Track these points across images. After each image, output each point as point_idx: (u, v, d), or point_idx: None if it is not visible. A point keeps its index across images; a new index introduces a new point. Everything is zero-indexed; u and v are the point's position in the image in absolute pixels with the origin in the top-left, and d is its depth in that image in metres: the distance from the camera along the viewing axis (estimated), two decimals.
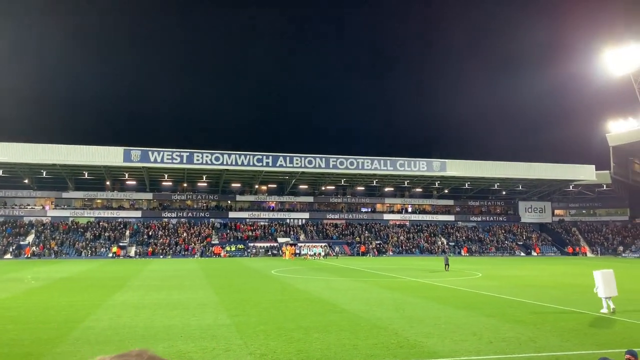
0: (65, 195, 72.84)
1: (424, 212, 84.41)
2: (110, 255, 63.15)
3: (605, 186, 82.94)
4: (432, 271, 39.92)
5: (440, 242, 77.19)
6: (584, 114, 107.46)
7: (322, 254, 64.15)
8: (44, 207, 72.23)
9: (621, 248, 77.60)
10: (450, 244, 77.07)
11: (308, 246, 67.09)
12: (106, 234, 68.43)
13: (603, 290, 17.80)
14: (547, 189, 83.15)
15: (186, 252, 66.07)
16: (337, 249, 70.06)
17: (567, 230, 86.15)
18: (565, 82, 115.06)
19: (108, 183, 73.06)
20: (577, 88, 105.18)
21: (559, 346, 12.59)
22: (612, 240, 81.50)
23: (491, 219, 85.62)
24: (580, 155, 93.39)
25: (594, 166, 74.90)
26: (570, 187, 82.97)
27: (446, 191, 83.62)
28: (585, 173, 74.59)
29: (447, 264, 41.45)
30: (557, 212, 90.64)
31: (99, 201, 74.79)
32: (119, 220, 72.31)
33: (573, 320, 16.49)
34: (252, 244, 69.87)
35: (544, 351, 12.04)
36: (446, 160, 70.10)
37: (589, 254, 77.94)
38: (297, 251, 66.20)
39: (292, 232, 74.52)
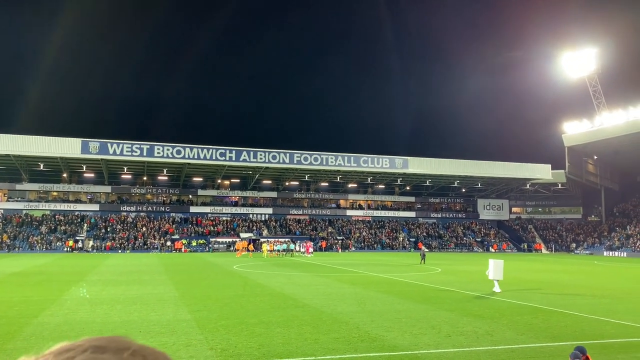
0: (19, 187, 70.28)
1: (385, 208, 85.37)
2: (66, 249, 61.43)
3: (560, 185, 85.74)
4: (407, 265, 41.13)
5: (401, 238, 78.23)
6: (542, 116, 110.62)
7: (310, 251, 58.20)
8: None
9: (574, 245, 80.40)
10: (410, 239, 78.19)
11: (286, 241, 62.36)
12: (62, 227, 66.50)
13: (492, 274, 23.03)
14: (505, 187, 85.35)
15: (146, 247, 64.87)
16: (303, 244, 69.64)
17: (523, 227, 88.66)
18: (524, 84, 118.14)
19: (65, 175, 70.93)
20: (535, 90, 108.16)
21: (514, 339, 12.95)
22: (566, 237, 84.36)
23: (451, 215, 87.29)
24: (537, 154, 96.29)
25: (550, 166, 77.29)
26: (527, 185, 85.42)
27: (408, 188, 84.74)
28: (542, 172, 76.88)
29: (423, 258, 43.64)
30: (514, 209, 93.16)
31: (54, 193, 72.54)
32: (76, 213, 70.37)
33: (528, 314, 16.99)
34: (213, 239, 69.14)
35: (500, 344, 12.36)
36: (408, 158, 71.02)
37: (543, 251, 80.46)
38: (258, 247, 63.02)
39: (255, 228, 74.12)
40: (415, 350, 11.58)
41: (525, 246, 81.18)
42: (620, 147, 74.75)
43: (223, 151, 63.86)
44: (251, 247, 60.28)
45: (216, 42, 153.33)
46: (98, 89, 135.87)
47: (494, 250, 77.66)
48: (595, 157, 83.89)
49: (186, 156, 62.66)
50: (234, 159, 64.20)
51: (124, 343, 0.70)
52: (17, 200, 69.98)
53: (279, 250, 58.52)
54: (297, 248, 61.12)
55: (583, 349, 8.46)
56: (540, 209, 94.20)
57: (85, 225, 68.58)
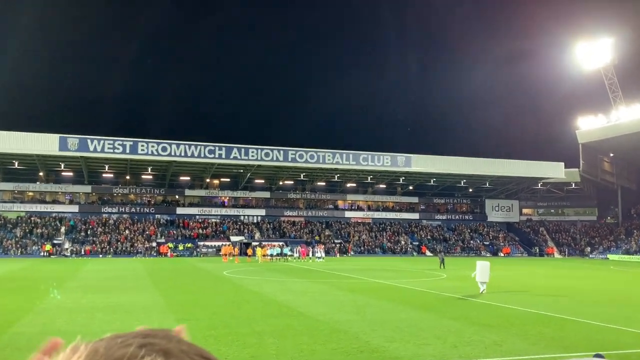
0: None
1: (387, 209, 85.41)
2: (43, 253, 61.26)
3: (574, 185, 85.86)
4: (410, 271, 41.53)
5: (403, 242, 78.33)
6: (554, 110, 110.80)
7: (322, 255, 58.98)
8: None
9: (588, 249, 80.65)
10: (413, 243, 78.32)
11: (279, 245, 61.20)
12: (38, 230, 66.32)
13: (479, 276, 25.00)
14: (514, 187, 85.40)
15: (128, 252, 64.75)
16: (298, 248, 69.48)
17: (534, 230, 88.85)
18: (535, 76, 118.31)
19: (41, 174, 70.71)
20: (547, 83, 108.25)
21: (525, 350, 12.98)
22: (580, 240, 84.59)
23: (457, 217, 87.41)
24: (549, 152, 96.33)
25: (562, 164, 77.21)
26: (539, 185, 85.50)
27: (411, 188, 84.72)
28: (554, 171, 76.88)
29: (442, 263, 44.89)
30: (524, 211, 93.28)
31: (30, 194, 72.34)
32: (54, 215, 70.18)
33: (539, 323, 17.02)
34: (202, 243, 69.07)
35: (509, 355, 12.38)
36: (411, 155, 70.99)
37: (556, 255, 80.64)
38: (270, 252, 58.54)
39: (246, 230, 74.10)
40: None
41: (537, 250, 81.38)
42: (638, 144, 74.96)
43: (212, 148, 63.77)
44: (249, 251, 59.11)
45: (204, 35, 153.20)
46: (77, 83, 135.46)
47: (503, 255, 77.74)
48: (612, 155, 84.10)
49: (172, 153, 62.53)
50: (223, 156, 64.10)
51: (169, 332, 0.84)
52: None
53: (272, 255, 58.10)
54: (310, 253, 60.59)
55: (601, 356, 8.48)
56: (552, 210, 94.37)
57: (64, 227, 68.40)
